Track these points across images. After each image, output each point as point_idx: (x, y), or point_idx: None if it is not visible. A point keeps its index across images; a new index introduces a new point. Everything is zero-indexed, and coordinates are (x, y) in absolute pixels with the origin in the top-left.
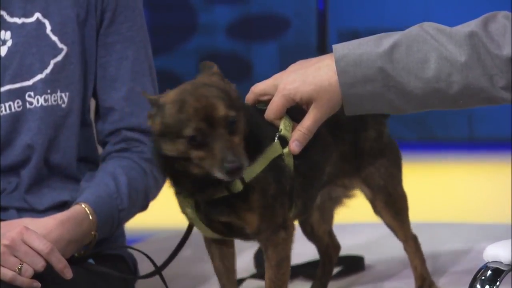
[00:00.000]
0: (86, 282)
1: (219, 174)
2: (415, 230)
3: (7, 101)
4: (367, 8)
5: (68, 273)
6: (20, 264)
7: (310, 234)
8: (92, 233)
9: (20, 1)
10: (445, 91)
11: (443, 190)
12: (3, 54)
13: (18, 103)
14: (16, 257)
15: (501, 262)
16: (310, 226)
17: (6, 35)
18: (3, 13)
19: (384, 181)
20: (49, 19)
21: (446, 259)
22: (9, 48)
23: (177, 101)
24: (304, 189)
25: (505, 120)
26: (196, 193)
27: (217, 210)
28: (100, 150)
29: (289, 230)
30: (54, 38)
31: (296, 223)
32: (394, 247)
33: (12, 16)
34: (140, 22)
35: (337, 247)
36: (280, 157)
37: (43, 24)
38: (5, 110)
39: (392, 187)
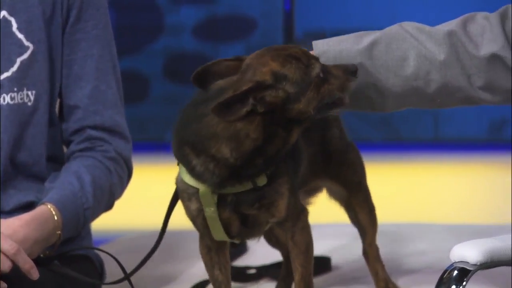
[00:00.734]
0: (52, 283)
1: (351, 84)
2: (381, 230)
3: None
4: (334, 9)
5: (34, 274)
6: None
7: (275, 242)
8: (58, 232)
9: None
10: (423, 89)
11: (409, 191)
12: None
13: None
14: None
15: (468, 262)
16: (274, 237)
17: None
18: None
19: (357, 177)
20: (15, 16)
21: (412, 260)
22: None
23: (284, 60)
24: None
25: (470, 121)
26: (227, 186)
27: (246, 202)
28: (65, 150)
29: (307, 214)
30: (21, 36)
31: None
32: (360, 248)
33: None
34: (105, 20)
35: None
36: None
37: (9, 22)
38: None
39: (365, 183)
